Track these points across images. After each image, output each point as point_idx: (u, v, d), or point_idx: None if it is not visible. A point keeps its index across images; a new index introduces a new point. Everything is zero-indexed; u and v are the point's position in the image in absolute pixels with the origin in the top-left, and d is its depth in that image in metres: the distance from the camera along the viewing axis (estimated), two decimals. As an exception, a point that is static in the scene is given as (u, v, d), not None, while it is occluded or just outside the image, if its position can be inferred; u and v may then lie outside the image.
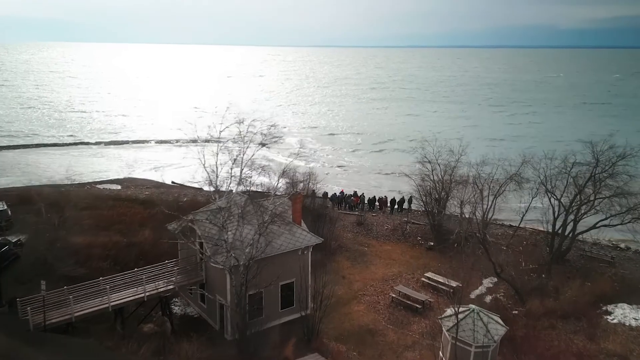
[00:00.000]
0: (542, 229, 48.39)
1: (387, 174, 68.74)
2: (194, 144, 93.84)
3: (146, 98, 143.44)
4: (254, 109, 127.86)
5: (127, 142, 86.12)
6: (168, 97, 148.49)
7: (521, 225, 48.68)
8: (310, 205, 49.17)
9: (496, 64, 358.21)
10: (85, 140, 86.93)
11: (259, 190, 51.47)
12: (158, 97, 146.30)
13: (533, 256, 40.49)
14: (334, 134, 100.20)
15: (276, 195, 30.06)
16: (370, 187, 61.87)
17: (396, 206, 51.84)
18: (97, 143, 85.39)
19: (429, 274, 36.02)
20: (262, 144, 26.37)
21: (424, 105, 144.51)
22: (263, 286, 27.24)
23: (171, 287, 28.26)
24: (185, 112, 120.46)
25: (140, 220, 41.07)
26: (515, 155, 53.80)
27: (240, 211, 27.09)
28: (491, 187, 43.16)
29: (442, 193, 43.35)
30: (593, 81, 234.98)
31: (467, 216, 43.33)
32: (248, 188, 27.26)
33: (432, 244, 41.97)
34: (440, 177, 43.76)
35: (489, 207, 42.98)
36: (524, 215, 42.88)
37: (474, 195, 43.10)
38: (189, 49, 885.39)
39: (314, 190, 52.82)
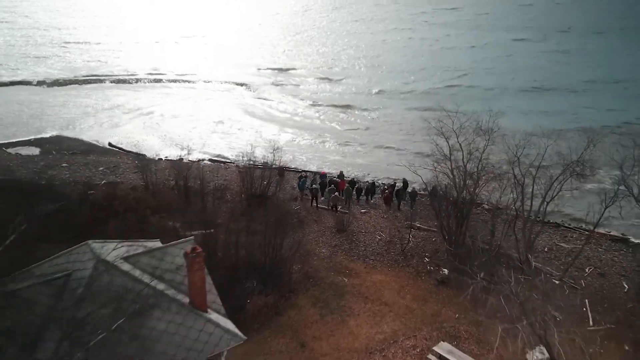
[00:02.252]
0: (603, 231, 34.33)
1: (389, 147, 48.79)
2: (159, 83, 78.86)
3: (127, 28, 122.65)
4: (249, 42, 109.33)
5: (76, 82, 70.11)
6: (152, 26, 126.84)
7: (575, 227, 34.74)
8: (274, 196, 35.02)
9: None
10: (27, 79, 70.84)
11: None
12: (140, 26, 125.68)
13: (604, 300, 26.30)
14: (332, 79, 73.04)
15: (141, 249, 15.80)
16: (367, 167, 45.01)
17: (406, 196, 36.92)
18: (39, 83, 69.49)
19: (440, 349, 21.96)
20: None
21: (455, 35, 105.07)
22: None
23: None
24: (160, 45, 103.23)
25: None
26: (573, 125, 37.94)
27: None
28: (536, 180, 28.46)
29: (464, 193, 28.58)
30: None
31: (501, 229, 29.20)
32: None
33: (445, 272, 27.70)
34: (462, 167, 28.81)
35: (534, 214, 28.60)
36: (593, 229, 28.35)
37: (514, 197, 28.58)
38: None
39: (283, 167, 38.77)
